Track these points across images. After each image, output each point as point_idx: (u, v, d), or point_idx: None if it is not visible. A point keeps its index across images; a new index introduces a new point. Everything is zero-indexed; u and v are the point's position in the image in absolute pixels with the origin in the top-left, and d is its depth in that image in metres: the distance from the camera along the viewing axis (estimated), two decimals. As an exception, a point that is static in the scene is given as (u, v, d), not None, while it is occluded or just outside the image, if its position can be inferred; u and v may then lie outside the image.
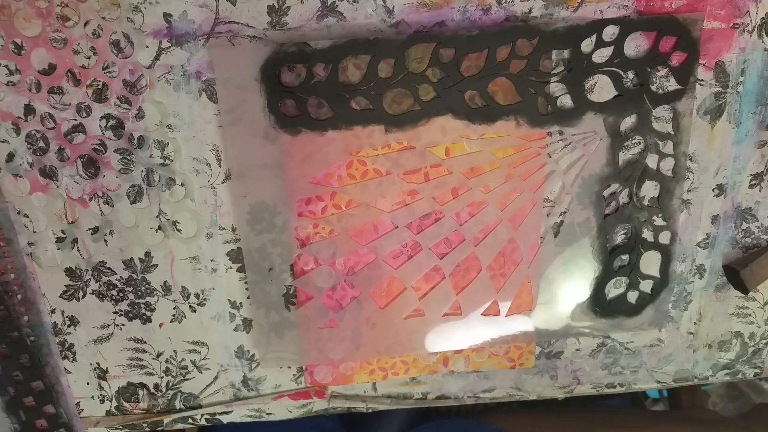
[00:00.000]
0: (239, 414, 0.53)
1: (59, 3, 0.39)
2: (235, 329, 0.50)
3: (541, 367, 0.54)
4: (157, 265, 0.47)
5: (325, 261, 0.47)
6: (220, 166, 0.44)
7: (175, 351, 0.50)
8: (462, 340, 0.51)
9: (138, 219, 0.45)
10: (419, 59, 0.42)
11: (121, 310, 0.48)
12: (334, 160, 0.44)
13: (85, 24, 0.40)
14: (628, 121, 0.45)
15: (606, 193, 0.47)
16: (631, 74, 0.44)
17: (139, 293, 0.48)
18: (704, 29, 0.43)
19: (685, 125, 0.46)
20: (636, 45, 0.43)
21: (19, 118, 0.42)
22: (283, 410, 0.53)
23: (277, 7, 0.40)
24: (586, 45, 0.43)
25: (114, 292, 0.48)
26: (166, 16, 0.40)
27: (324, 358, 0.50)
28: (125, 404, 0.52)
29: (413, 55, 0.42)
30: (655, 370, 0.55)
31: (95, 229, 0.46)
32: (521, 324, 0.51)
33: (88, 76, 0.41)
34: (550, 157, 0.46)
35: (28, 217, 0.45)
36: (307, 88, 0.42)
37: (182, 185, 0.45)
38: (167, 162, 0.44)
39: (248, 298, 0.48)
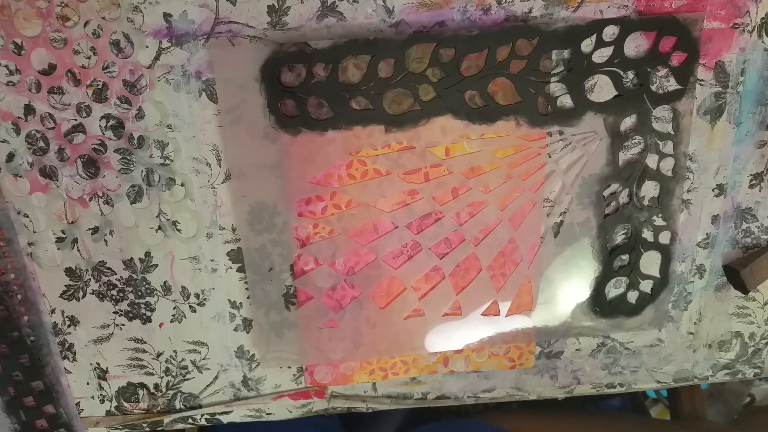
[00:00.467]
0: (239, 414, 0.53)
1: (59, 3, 0.39)
2: (235, 329, 0.50)
3: (541, 367, 0.54)
4: (157, 265, 0.47)
5: (325, 261, 0.47)
6: (220, 166, 0.44)
7: (175, 351, 0.50)
8: (462, 340, 0.51)
9: (138, 219, 0.45)
10: (419, 59, 0.42)
11: (121, 310, 0.48)
12: (334, 160, 0.44)
13: (85, 24, 0.40)
14: (628, 121, 0.45)
15: (606, 193, 0.47)
16: (631, 74, 0.44)
17: (139, 293, 0.48)
18: (704, 29, 0.43)
19: (685, 125, 0.46)
20: (636, 45, 0.43)
21: (19, 118, 0.42)
22: (283, 410, 0.53)
23: (277, 7, 0.40)
24: (586, 45, 0.43)
25: (114, 292, 0.48)
26: (166, 16, 0.40)
27: (324, 358, 0.50)
28: (125, 404, 0.52)
29: (413, 55, 0.42)
30: (655, 370, 0.55)
31: (95, 229, 0.46)
32: (521, 324, 0.51)
33: (88, 76, 0.41)
34: (550, 157, 0.46)
35: (28, 217, 0.45)
36: (307, 88, 0.42)
37: (182, 185, 0.45)
38: (167, 162, 0.44)
39: (248, 298, 0.48)
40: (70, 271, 0.47)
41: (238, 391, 0.52)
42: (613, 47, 0.43)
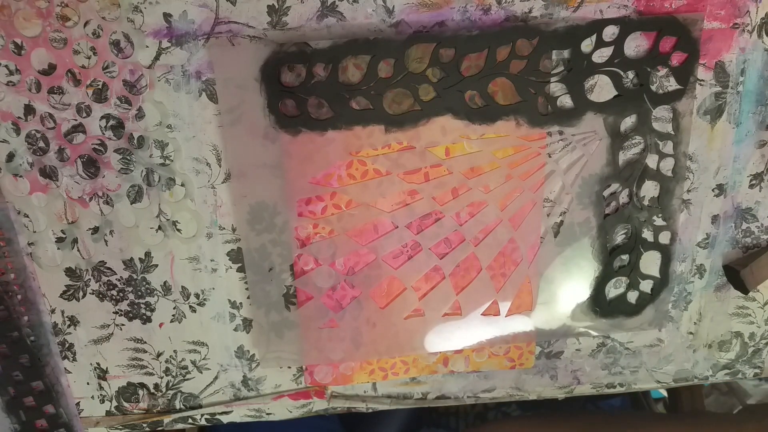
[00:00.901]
0: (239, 414, 0.53)
1: (59, 3, 0.39)
2: (235, 329, 0.50)
3: (541, 367, 0.54)
4: (157, 265, 0.47)
5: (325, 261, 0.47)
6: (220, 166, 0.44)
7: (175, 351, 0.50)
8: (462, 340, 0.51)
9: (138, 219, 0.45)
10: (419, 59, 0.42)
11: (121, 310, 0.48)
12: (334, 160, 0.44)
13: (85, 24, 0.40)
14: (628, 121, 0.45)
15: (606, 193, 0.47)
16: (631, 74, 0.44)
17: (139, 293, 0.48)
18: (704, 29, 0.43)
19: (685, 125, 0.46)
20: (636, 45, 0.43)
21: (19, 118, 0.42)
22: (283, 410, 0.53)
23: (277, 7, 0.40)
24: (586, 45, 0.43)
25: (114, 292, 0.48)
26: (166, 16, 0.40)
27: (324, 358, 0.50)
28: (125, 404, 0.52)
29: (413, 55, 0.42)
30: (655, 370, 0.55)
31: (95, 229, 0.46)
32: (521, 324, 0.51)
33: (88, 76, 0.41)
34: (550, 157, 0.46)
35: (28, 217, 0.45)
36: (307, 88, 0.42)
37: (182, 185, 0.45)
38: (167, 162, 0.44)
39: (248, 298, 0.48)
40: (70, 271, 0.47)
41: (238, 391, 0.52)
42: (613, 47, 0.43)
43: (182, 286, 0.48)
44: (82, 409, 0.52)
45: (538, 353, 0.53)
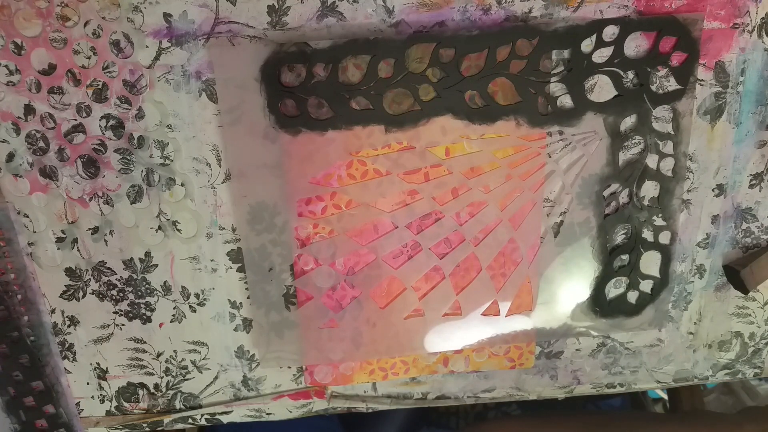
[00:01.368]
0: (239, 414, 0.53)
1: (59, 3, 0.39)
2: (235, 329, 0.50)
3: (541, 367, 0.54)
4: (157, 265, 0.47)
5: (325, 261, 0.47)
6: (220, 166, 0.44)
7: (175, 351, 0.50)
8: (462, 340, 0.51)
9: (138, 219, 0.45)
10: (419, 59, 0.42)
11: (121, 310, 0.48)
12: (334, 160, 0.44)
13: (85, 24, 0.40)
14: (628, 121, 0.45)
15: (606, 193, 0.47)
16: (631, 74, 0.44)
17: (139, 293, 0.48)
18: (704, 29, 0.43)
19: (685, 125, 0.45)
20: (636, 45, 0.43)
21: (19, 118, 0.42)
22: (283, 410, 0.53)
23: (277, 7, 0.40)
24: (586, 45, 0.43)
25: (114, 292, 0.48)
26: (166, 16, 0.40)
27: (324, 358, 0.50)
28: (125, 404, 0.52)
29: (413, 55, 0.42)
30: (655, 370, 0.55)
31: (95, 229, 0.46)
32: (521, 324, 0.51)
33: (88, 76, 0.41)
34: (550, 157, 0.46)
35: (28, 217, 0.45)
36: (307, 88, 0.42)
37: (182, 185, 0.45)
38: (167, 162, 0.44)
39: (248, 298, 0.48)
40: (70, 271, 0.47)
41: (238, 391, 0.52)
42: (613, 47, 0.43)
43: (182, 286, 0.48)
44: (82, 409, 0.52)
45: (538, 353, 0.53)
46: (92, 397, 0.51)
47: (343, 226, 0.46)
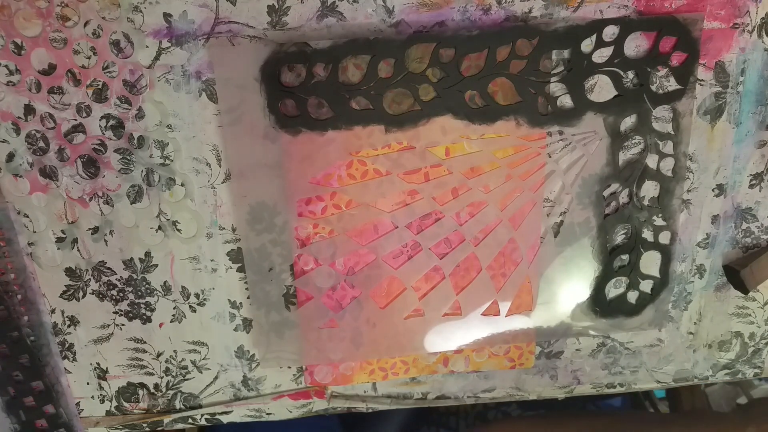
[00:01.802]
0: (239, 414, 0.53)
1: (59, 3, 0.39)
2: (235, 329, 0.50)
3: (541, 367, 0.54)
4: (157, 265, 0.47)
5: (325, 261, 0.47)
6: (220, 166, 0.44)
7: (175, 351, 0.50)
8: (462, 340, 0.51)
9: (138, 219, 0.45)
10: (419, 59, 0.42)
11: (121, 310, 0.48)
12: (334, 160, 0.44)
13: (85, 24, 0.40)
14: (628, 121, 0.45)
15: (606, 193, 0.47)
16: (631, 74, 0.44)
17: (139, 293, 0.48)
18: (704, 29, 0.43)
19: (685, 125, 0.46)
20: (636, 45, 0.43)
21: (19, 118, 0.42)
22: (283, 410, 0.53)
23: (277, 7, 0.40)
24: (586, 45, 0.43)
25: (114, 292, 0.48)
26: (166, 16, 0.40)
27: (324, 358, 0.50)
28: (125, 404, 0.52)
29: (413, 55, 0.42)
30: (655, 370, 0.55)
31: (95, 229, 0.46)
32: (521, 324, 0.51)
33: (88, 76, 0.41)
34: (550, 157, 0.46)
35: (28, 217, 0.45)
36: (307, 88, 0.42)
37: (182, 185, 0.45)
38: (167, 162, 0.44)
39: (248, 298, 0.48)
40: (70, 271, 0.47)
41: (238, 391, 0.52)
42: (613, 47, 0.43)
43: (182, 286, 0.48)
44: (82, 409, 0.52)
45: (538, 353, 0.53)
46: (92, 397, 0.51)
47: (343, 226, 0.46)
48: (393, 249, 0.47)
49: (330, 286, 0.48)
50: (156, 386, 0.51)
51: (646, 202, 0.48)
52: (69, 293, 0.48)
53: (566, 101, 0.44)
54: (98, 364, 0.50)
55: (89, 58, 0.41)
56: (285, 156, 0.44)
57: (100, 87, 0.42)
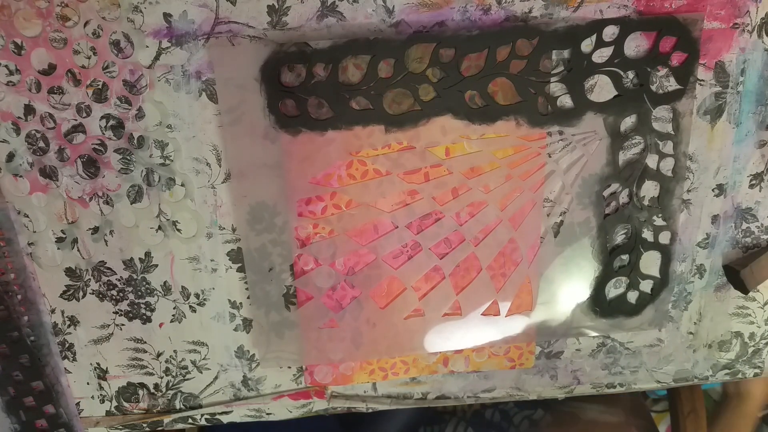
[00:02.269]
0: (239, 414, 0.53)
1: (59, 3, 0.39)
2: (235, 329, 0.50)
3: (541, 367, 0.54)
4: (157, 265, 0.47)
5: (325, 261, 0.47)
6: (220, 166, 0.44)
7: (175, 351, 0.50)
8: (462, 340, 0.51)
9: (138, 219, 0.45)
10: (419, 59, 0.42)
11: (121, 310, 0.48)
12: (334, 160, 0.44)
13: (85, 24, 0.40)
14: (628, 121, 0.45)
15: (606, 193, 0.47)
16: (631, 74, 0.44)
17: (139, 293, 0.48)
18: (704, 29, 0.43)
19: (685, 125, 0.46)
20: (636, 45, 0.43)
21: (19, 118, 0.42)
22: (283, 410, 0.53)
23: (277, 7, 0.40)
24: (586, 45, 0.43)
25: (114, 292, 0.48)
26: (166, 16, 0.40)
27: (324, 358, 0.50)
28: (125, 404, 0.52)
29: (413, 55, 0.42)
30: (655, 370, 0.55)
31: (95, 229, 0.46)
32: (521, 324, 0.51)
33: (88, 76, 0.41)
34: (550, 157, 0.46)
35: (28, 217, 0.45)
36: (307, 88, 0.42)
37: (182, 185, 0.45)
38: (167, 162, 0.44)
39: (248, 298, 0.48)
40: (70, 271, 0.47)
41: (238, 391, 0.52)
42: (613, 47, 0.43)
43: (182, 286, 0.48)
44: (82, 409, 0.52)
45: (538, 353, 0.53)
46: (92, 397, 0.51)
47: (343, 226, 0.46)
48: (393, 249, 0.47)
49: (330, 286, 0.48)
50: (156, 386, 0.51)
51: (646, 202, 0.48)
52: (69, 293, 0.48)
53: (566, 101, 0.44)
54: (98, 364, 0.50)
55: (89, 58, 0.41)
56: (285, 156, 0.44)
57: (100, 87, 0.42)
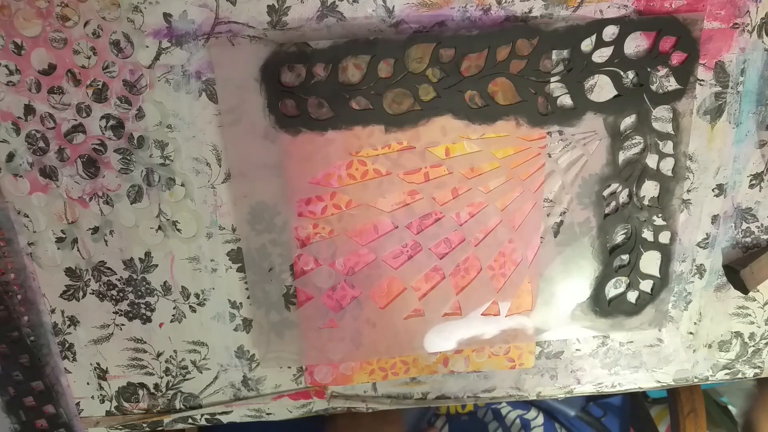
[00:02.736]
0: (239, 414, 0.53)
1: (59, 3, 0.39)
2: (235, 329, 0.50)
3: (541, 367, 0.54)
4: (157, 265, 0.47)
5: (325, 261, 0.47)
6: (220, 166, 0.44)
7: (175, 351, 0.50)
8: (462, 340, 0.51)
9: (138, 219, 0.45)
10: (419, 59, 0.42)
11: (121, 310, 0.48)
12: (334, 160, 0.44)
13: (85, 24, 0.40)
14: (628, 121, 0.45)
15: (606, 193, 0.47)
16: (631, 74, 0.44)
17: (139, 293, 0.48)
18: (704, 29, 0.43)
19: (685, 125, 0.46)
20: (636, 45, 0.43)
21: (19, 118, 0.42)
22: (283, 410, 0.53)
23: (277, 7, 0.40)
24: (586, 45, 0.43)
25: (114, 292, 0.48)
26: (166, 16, 0.40)
27: (324, 358, 0.50)
28: (125, 404, 0.52)
29: (413, 55, 0.42)
30: (655, 370, 0.55)
31: (95, 229, 0.46)
32: (521, 324, 0.51)
33: (88, 76, 0.41)
34: (550, 157, 0.46)
35: (28, 217, 0.45)
36: (307, 88, 0.42)
37: (182, 185, 0.45)
38: (167, 162, 0.44)
39: (248, 298, 0.48)
40: (70, 271, 0.47)
41: (238, 391, 0.52)
42: (613, 47, 0.43)
43: (182, 286, 0.48)
44: (82, 409, 0.52)
45: (538, 353, 0.53)
46: (92, 397, 0.51)
47: (343, 226, 0.46)
48: (393, 249, 0.47)
49: (330, 286, 0.48)
50: (156, 386, 0.51)
51: (646, 202, 0.48)
52: (69, 293, 0.48)
53: (566, 101, 0.44)
54: (98, 364, 0.50)
55: (89, 58, 0.41)
56: (285, 156, 0.44)
57: (100, 87, 0.42)
